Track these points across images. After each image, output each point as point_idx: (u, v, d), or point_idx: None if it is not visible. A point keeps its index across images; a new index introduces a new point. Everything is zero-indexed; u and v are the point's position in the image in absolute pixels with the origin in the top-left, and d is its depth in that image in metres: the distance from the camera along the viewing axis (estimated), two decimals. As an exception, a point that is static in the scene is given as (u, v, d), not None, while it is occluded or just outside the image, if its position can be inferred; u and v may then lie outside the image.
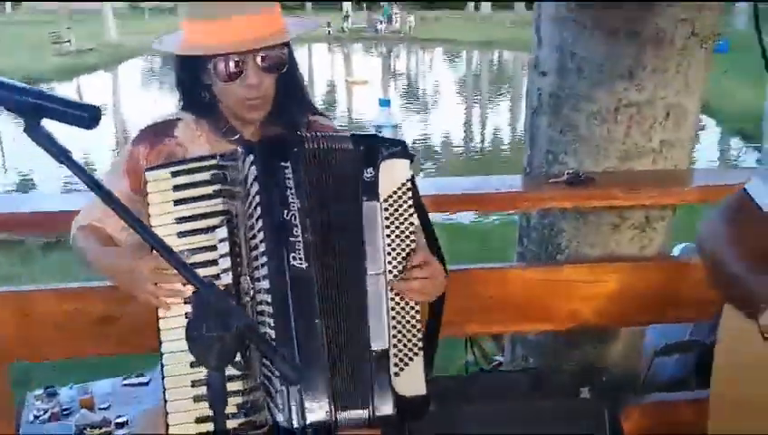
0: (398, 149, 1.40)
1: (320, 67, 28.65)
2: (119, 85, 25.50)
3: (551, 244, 2.46)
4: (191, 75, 1.42)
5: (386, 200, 1.36)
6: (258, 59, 1.37)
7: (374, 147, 1.38)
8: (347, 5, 43.16)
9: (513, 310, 2.19)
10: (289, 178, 1.28)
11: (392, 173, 1.37)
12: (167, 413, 1.30)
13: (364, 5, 46.20)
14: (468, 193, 2.23)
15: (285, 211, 1.27)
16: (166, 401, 1.31)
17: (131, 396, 2.79)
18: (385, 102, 2.29)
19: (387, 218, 1.36)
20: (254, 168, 1.29)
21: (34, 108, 0.94)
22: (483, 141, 15.17)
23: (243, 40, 1.34)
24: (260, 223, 1.29)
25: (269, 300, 1.28)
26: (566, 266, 2.31)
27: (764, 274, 1.49)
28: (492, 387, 2.06)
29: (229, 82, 1.37)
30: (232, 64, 1.36)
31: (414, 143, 12.74)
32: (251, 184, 1.30)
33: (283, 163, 1.29)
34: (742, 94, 12.85)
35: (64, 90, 24.29)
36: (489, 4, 44.81)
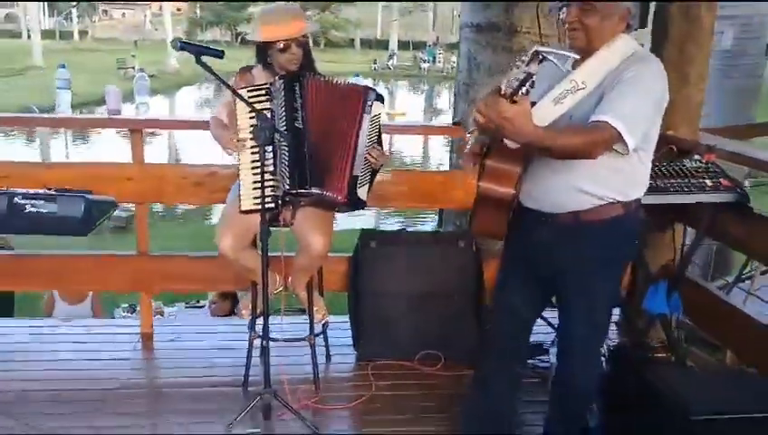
0: (380, 95, 2.92)
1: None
2: (175, 109, 27.69)
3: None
4: (262, 50, 2.96)
5: (373, 116, 2.85)
6: (295, 42, 2.90)
7: (374, 91, 2.88)
8: (393, 45, 45.32)
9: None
10: (297, 90, 2.82)
11: (378, 107, 2.89)
12: (240, 196, 2.82)
13: (411, 45, 48.32)
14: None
15: (294, 103, 2.80)
16: (240, 191, 2.84)
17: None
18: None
19: (370, 123, 2.84)
20: (281, 84, 2.80)
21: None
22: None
23: (289, 33, 2.83)
24: (282, 109, 2.79)
25: (286, 139, 2.72)
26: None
27: None
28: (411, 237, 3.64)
29: (284, 52, 2.91)
30: (284, 45, 2.87)
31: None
32: (280, 91, 2.79)
33: (296, 83, 2.80)
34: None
35: (127, 110, 26.53)
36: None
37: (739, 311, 3.05)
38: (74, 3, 51.19)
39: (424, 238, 3.69)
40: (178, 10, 53.07)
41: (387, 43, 47.29)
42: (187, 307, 6.63)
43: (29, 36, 36.95)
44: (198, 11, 48.82)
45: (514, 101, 1.85)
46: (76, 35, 50.85)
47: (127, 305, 6.51)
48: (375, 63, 39.94)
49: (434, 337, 3.43)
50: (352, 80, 3.40)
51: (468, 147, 2.28)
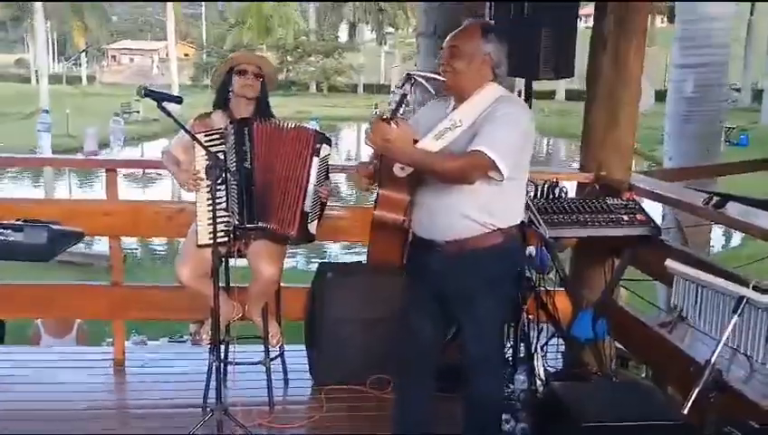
0: (328, 138, 3.21)
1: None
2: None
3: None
4: (224, 86, 3.22)
5: (321, 158, 3.14)
6: (253, 69, 3.16)
7: (323, 135, 3.19)
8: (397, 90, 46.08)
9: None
10: (246, 133, 3.10)
11: (326, 149, 3.17)
12: (197, 231, 3.12)
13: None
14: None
15: (243, 145, 3.08)
16: (197, 226, 3.13)
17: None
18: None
19: (319, 164, 3.12)
20: (232, 128, 3.09)
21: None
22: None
23: (249, 59, 3.20)
24: (233, 151, 3.07)
25: (236, 178, 3.03)
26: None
27: None
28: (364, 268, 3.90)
29: (241, 76, 3.17)
30: (242, 68, 3.16)
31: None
32: (231, 135, 3.07)
33: (245, 127, 3.08)
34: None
35: (131, 153, 27.08)
36: (530, 92, 47.23)
37: (653, 331, 3.30)
38: (84, 48, 52.35)
39: (376, 269, 3.96)
40: (186, 55, 54.25)
41: (389, 87, 48.12)
42: (170, 341, 6.88)
43: (38, 81, 37.77)
44: (205, 56, 49.86)
45: (397, 123, 2.18)
46: (84, 80, 51.90)
47: (111, 340, 6.74)
48: (376, 108, 40.66)
49: (384, 361, 3.65)
50: (311, 124, 3.71)
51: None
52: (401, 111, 2.16)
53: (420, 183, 2.50)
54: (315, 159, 3.15)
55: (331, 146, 3.28)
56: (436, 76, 2.34)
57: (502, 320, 2.71)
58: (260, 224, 3.07)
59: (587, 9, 4.41)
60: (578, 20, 3.43)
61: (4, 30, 50.99)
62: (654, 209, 5.10)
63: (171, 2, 42.54)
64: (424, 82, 2.25)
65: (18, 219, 2.57)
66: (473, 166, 2.35)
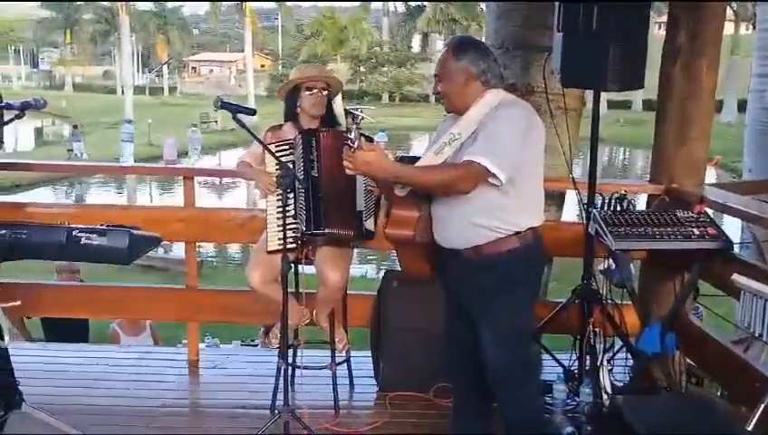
0: (369, 137, 3.27)
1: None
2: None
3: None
4: (292, 100, 3.36)
5: None
6: (321, 84, 3.28)
7: (364, 135, 3.28)
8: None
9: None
10: (313, 143, 3.19)
11: None
12: (267, 238, 3.24)
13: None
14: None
15: (311, 154, 3.19)
16: (267, 233, 3.26)
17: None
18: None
19: None
20: (300, 139, 3.21)
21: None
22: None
23: (315, 74, 3.31)
24: (301, 160, 3.18)
25: (304, 186, 3.13)
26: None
27: None
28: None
29: (310, 92, 3.27)
30: (310, 84, 3.28)
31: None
32: (299, 145, 3.20)
33: (312, 137, 3.19)
34: None
35: (208, 161, 27.93)
36: (605, 103, 46.44)
37: (725, 347, 3.22)
38: (166, 60, 54.31)
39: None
40: (262, 66, 55.55)
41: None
42: (242, 344, 7.07)
43: (122, 92, 39.36)
44: (280, 67, 50.92)
45: (369, 150, 2.37)
46: (166, 91, 53.79)
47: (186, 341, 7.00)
48: (444, 117, 40.53)
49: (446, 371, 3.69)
50: (378, 135, 3.80)
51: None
52: (356, 143, 2.38)
53: (430, 196, 2.57)
54: None
55: (373, 143, 3.34)
56: (369, 107, 2.59)
57: (523, 326, 2.64)
58: (326, 230, 3.16)
59: (665, 17, 4.34)
60: (649, 29, 3.38)
61: (94, 44, 53.30)
62: (733, 224, 4.98)
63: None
64: (360, 114, 2.49)
65: (102, 224, 2.72)
66: (461, 176, 2.39)
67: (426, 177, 2.46)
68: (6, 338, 2.25)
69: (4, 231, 2.61)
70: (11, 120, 3.06)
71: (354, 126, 2.38)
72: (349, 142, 2.37)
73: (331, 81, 3.42)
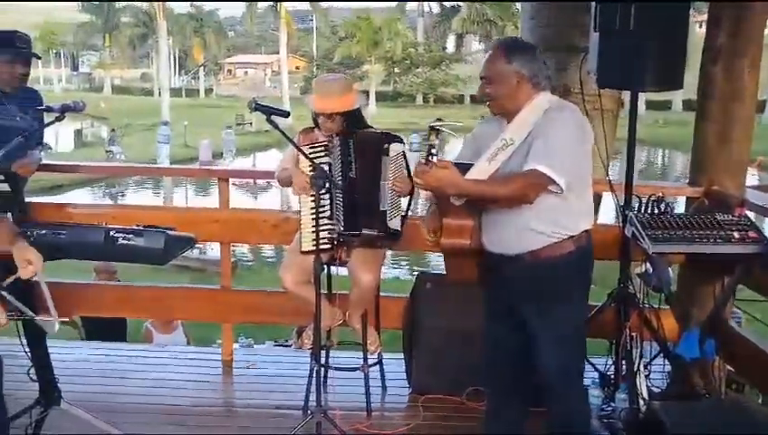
0: (398, 137, 3.31)
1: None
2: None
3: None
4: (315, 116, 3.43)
5: (392, 157, 3.25)
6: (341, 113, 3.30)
7: (391, 135, 3.29)
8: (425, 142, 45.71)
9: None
10: (351, 145, 3.22)
11: (396, 147, 3.28)
12: (301, 239, 3.26)
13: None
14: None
15: (349, 156, 3.21)
16: (301, 233, 3.27)
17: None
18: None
19: (391, 162, 3.23)
20: (337, 141, 3.23)
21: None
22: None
23: (335, 108, 3.25)
24: (339, 162, 3.21)
25: (341, 187, 3.15)
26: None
27: None
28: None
29: (328, 119, 3.27)
30: (330, 115, 3.28)
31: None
32: (337, 147, 3.22)
33: (350, 139, 3.22)
34: None
35: (243, 162, 28.22)
36: (644, 103, 45.82)
37: (767, 353, 3.15)
38: (202, 63, 54.99)
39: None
40: (296, 68, 55.91)
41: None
42: (275, 345, 7.12)
43: (160, 94, 39.95)
44: (315, 69, 51.19)
45: (442, 166, 2.32)
46: (202, 93, 54.46)
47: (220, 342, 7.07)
48: (482, 119, 40.35)
49: (482, 374, 3.65)
50: (413, 137, 3.80)
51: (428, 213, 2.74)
52: (433, 159, 2.35)
53: (481, 207, 2.55)
54: (385, 159, 3.24)
55: (402, 144, 3.34)
56: (455, 123, 2.48)
57: (579, 329, 2.64)
58: (364, 231, 3.18)
59: (706, 15, 4.26)
60: (689, 28, 3.32)
61: (132, 47, 54.18)
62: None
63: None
64: (447, 131, 2.44)
65: (138, 225, 2.75)
66: (527, 187, 2.37)
67: (492, 191, 2.44)
68: (56, 324, 2.26)
69: (45, 231, 2.65)
70: (51, 122, 3.12)
71: (437, 141, 2.37)
72: (428, 158, 2.34)
73: (338, 108, 3.30)
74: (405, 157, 3.32)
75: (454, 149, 3.17)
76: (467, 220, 2.56)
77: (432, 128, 2.39)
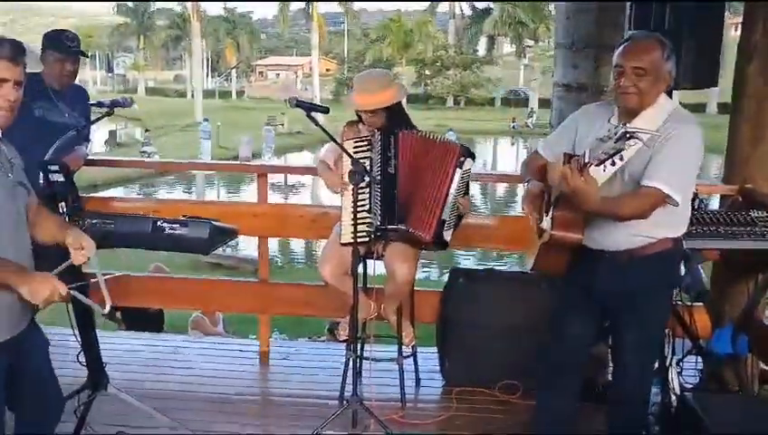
0: (472, 153, 3.33)
1: (503, 156, 31.48)
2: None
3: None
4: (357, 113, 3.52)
5: (464, 171, 3.26)
6: (382, 109, 3.36)
7: (467, 149, 3.32)
8: (533, 103, 45.56)
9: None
10: (392, 142, 3.28)
11: (469, 163, 3.28)
12: (340, 231, 3.34)
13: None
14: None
15: (389, 152, 3.29)
16: (341, 226, 3.36)
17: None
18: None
19: (461, 177, 3.25)
20: (379, 136, 3.30)
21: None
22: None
23: (377, 103, 3.32)
24: (378, 157, 3.28)
25: (379, 182, 3.23)
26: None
27: None
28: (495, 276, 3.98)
29: (371, 115, 3.35)
30: (372, 111, 3.38)
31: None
32: (378, 142, 3.29)
33: (392, 136, 3.29)
34: None
35: (275, 163, 28.47)
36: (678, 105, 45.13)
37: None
38: (234, 65, 55.58)
39: (507, 277, 4.03)
40: (327, 71, 56.25)
41: (527, 101, 47.58)
42: (309, 340, 7.20)
43: (192, 95, 40.47)
44: (346, 71, 51.43)
45: (591, 182, 2.29)
46: (234, 95, 55.05)
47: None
48: (513, 122, 40.33)
49: (514, 368, 3.71)
50: (447, 135, 3.86)
51: (525, 192, 2.72)
52: (608, 161, 2.22)
53: None
54: (458, 171, 3.27)
55: (474, 160, 3.37)
56: (652, 132, 2.27)
57: (662, 326, 2.77)
58: (400, 226, 3.24)
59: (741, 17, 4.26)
60: (724, 28, 3.35)
61: (166, 49, 54.99)
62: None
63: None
64: (641, 138, 2.19)
65: (183, 216, 2.86)
66: (644, 207, 2.42)
67: (613, 211, 2.46)
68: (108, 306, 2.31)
69: (95, 220, 2.77)
70: (102, 117, 3.24)
71: (618, 150, 2.19)
72: (586, 161, 2.24)
73: (378, 104, 3.35)
74: (469, 175, 3.36)
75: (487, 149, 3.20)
76: (577, 213, 2.52)
77: (625, 133, 2.18)
